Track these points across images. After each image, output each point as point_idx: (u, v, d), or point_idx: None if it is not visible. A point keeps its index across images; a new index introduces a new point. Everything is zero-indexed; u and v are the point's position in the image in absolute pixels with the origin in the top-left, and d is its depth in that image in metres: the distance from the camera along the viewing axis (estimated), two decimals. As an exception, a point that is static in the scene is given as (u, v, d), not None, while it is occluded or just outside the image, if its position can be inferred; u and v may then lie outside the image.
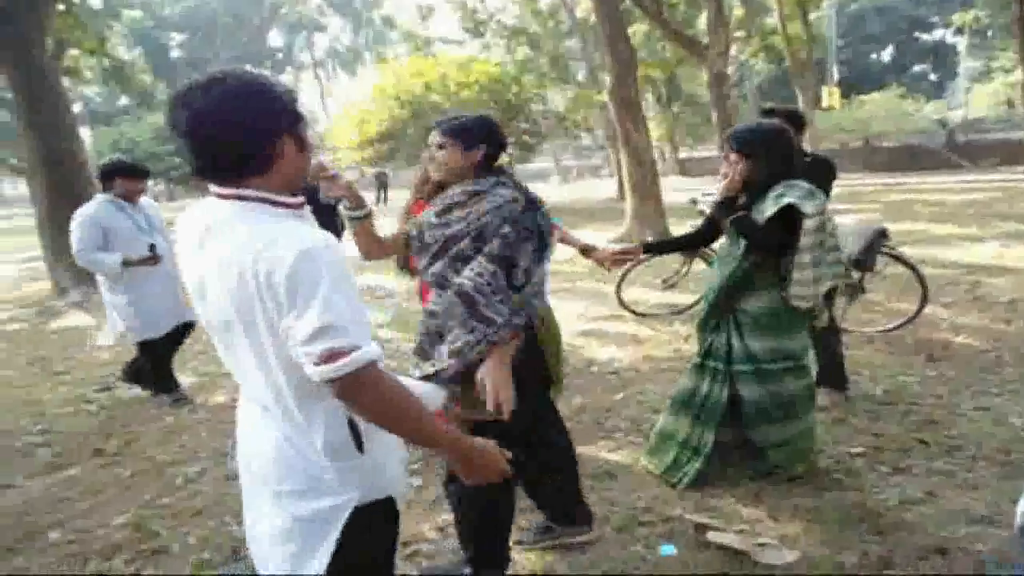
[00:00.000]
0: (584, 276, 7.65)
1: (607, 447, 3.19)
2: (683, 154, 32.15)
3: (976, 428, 3.13)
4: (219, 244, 1.21)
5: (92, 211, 3.85)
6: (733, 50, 18.38)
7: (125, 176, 3.92)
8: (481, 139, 1.96)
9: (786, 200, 2.45)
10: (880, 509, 2.52)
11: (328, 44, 48.79)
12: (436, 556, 2.41)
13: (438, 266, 1.91)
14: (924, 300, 4.57)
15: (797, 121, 3.32)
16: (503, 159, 2.07)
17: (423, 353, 1.97)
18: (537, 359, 2.12)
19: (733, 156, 2.62)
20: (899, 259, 4.66)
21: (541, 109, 17.69)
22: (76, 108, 9.42)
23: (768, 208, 2.50)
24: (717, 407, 2.73)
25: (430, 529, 2.56)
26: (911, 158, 22.92)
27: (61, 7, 9.38)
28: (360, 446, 1.33)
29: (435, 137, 2.00)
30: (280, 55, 45.72)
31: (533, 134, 16.98)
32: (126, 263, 3.79)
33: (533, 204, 1.94)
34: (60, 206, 8.32)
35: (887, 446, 3.02)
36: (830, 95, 20.80)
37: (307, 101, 51.38)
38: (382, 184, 24.39)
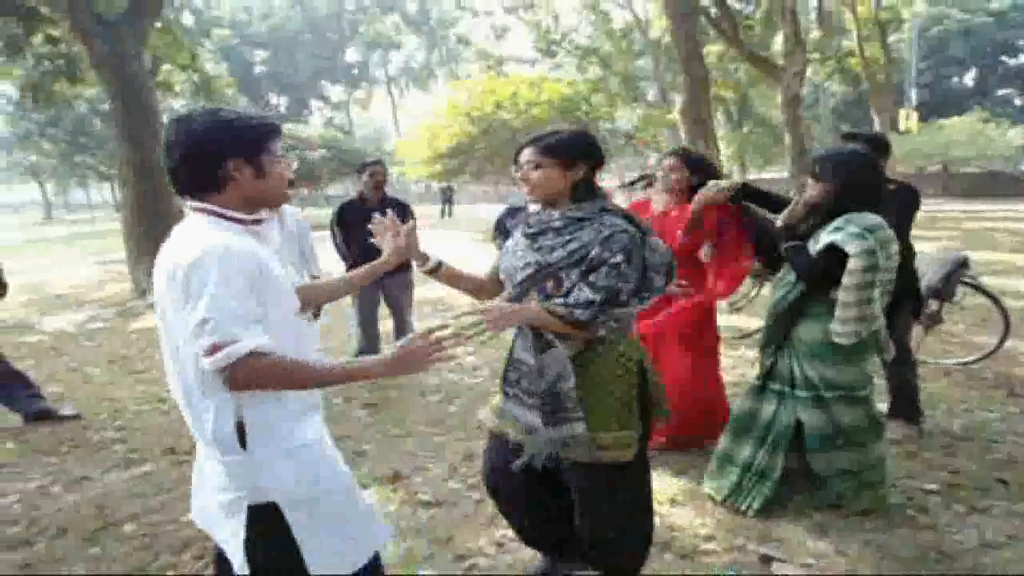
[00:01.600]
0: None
1: (671, 471, 3.13)
2: (752, 175, 31.43)
3: (1063, 472, 2.92)
4: (169, 248, 1.43)
5: None
6: (808, 71, 17.88)
7: None
8: (581, 156, 1.84)
9: (830, 238, 2.42)
10: (956, 551, 2.39)
11: (403, 61, 50.23)
12: (493, 571, 2.41)
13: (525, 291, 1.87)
14: (1006, 333, 4.33)
15: (880, 147, 3.20)
16: (601, 178, 1.96)
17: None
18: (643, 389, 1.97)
19: (809, 180, 2.56)
20: (980, 289, 4.44)
21: (609, 127, 17.62)
22: (163, 119, 9.97)
23: (821, 239, 2.47)
24: (786, 431, 2.66)
25: (488, 544, 2.57)
26: (992, 184, 21.73)
27: (159, 24, 10.01)
28: (243, 443, 1.42)
29: (529, 155, 1.86)
30: (356, 71, 47.36)
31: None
32: None
33: (645, 235, 1.85)
34: (145, 212, 8.85)
35: (964, 484, 2.86)
36: (908, 118, 19.90)
37: (379, 116, 53.03)
38: (447, 199, 24.93)
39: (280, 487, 1.45)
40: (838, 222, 2.46)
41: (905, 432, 3.40)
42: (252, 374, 1.33)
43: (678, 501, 2.86)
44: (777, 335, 2.70)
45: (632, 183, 5.09)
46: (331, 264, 4.84)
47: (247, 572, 1.46)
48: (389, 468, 3.25)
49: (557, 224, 1.84)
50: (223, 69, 32.65)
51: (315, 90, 45.89)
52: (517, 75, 19.54)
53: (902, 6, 20.70)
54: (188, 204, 1.48)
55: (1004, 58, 31.24)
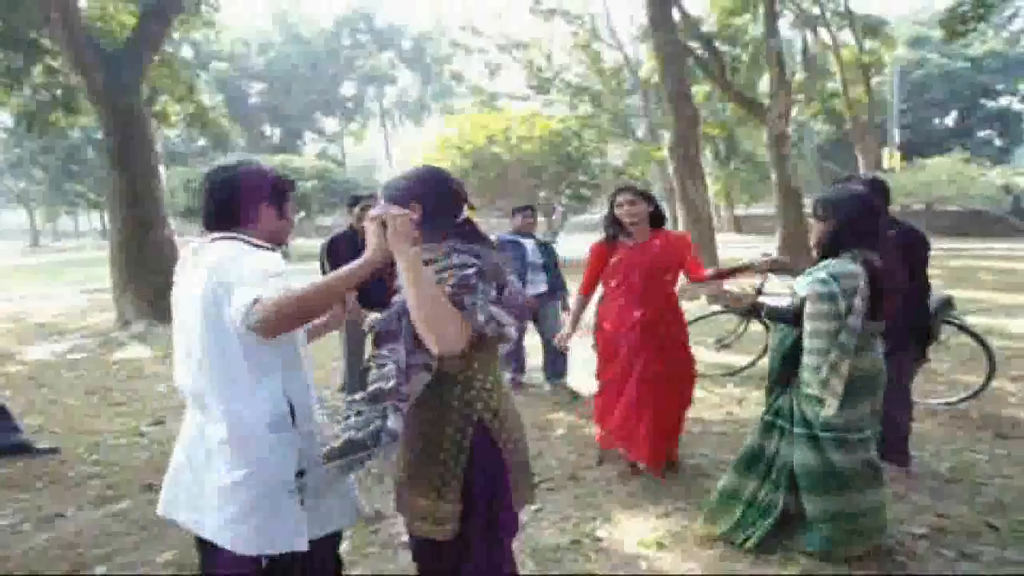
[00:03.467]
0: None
1: (656, 513, 3.09)
2: (739, 211, 31.77)
3: (1052, 517, 2.90)
4: (201, 260, 1.71)
5: None
6: (794, 111, 18.29)
7: None
8: (412, 198, 1.76)
9: (798, 285, 2.54)
10: None
11: (397, 95, 50.87)
12: None
13: None
14: (991, 373, 4.36)
15: (878, 190, 3.30)
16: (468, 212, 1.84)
17: None
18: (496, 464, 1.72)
19: (812, 221, 2.67)
20: (964, 329, 4.47)
21: (600, 163, 17.83)
22: (157, 148, 10.02)
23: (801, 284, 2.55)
24: (786, 467, 2.66)
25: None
26: (975, 223, 22.08)
27: (158, 58, 10.11)
28: (294, 422, 1.70)
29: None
30: (350, 104, 47.88)
31: (591, 186, 17.12)
32: None
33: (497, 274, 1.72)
34: (133, 240, 8.82)
35: (953, 528, 2.84)
36: (891, 158, 20.31)
37: (372, 148, 53.48)
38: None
39: (312, 456, 1.69)
40: (816, 267, 2.52)
41: (892, 474, 3.36)
42: (267, 314, 1.49)
43: (664, 545, 2.82)
44: (781, 379, 2.73)
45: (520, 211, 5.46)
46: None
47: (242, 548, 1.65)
48: (371, 508, 3.19)
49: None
50: (219, 100, 33.01)
51: (309, 122, 46.29)
52: (510, 110, 19.84)
53: (884, 50, 21.28)
54: (211, 236, 1.77)
55: (983, 101, 32.10)
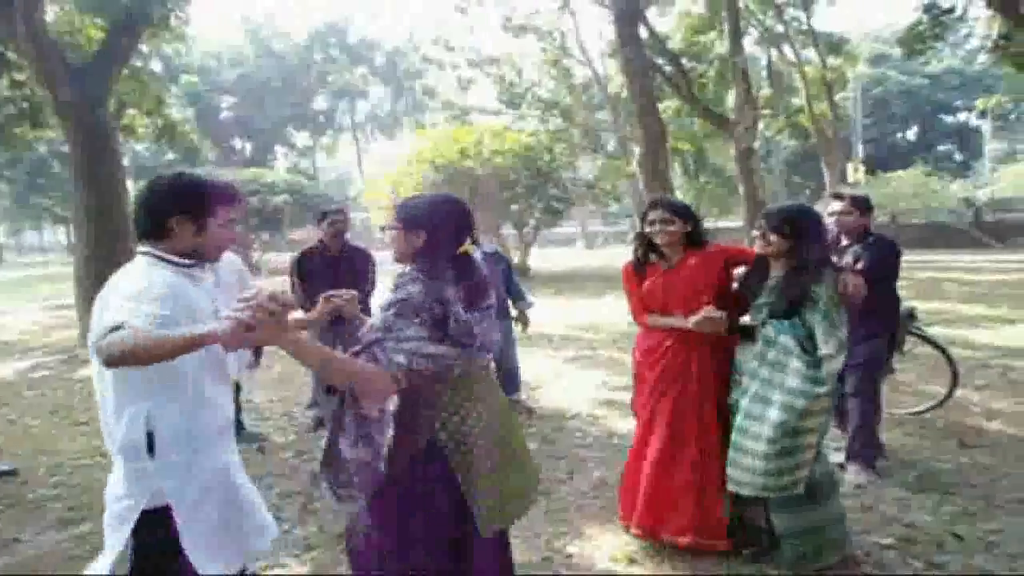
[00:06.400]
0: (605, 344, 7.59)
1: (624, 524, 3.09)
2: (708, 224, 32.13)
3: (1016, 523, 2.98)
4: (110, 281, 1.76)
5: None
6: (760, 126, 18.66)
7: None
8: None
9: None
10: None
11: (369, 109, 50.75)
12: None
13: None
14: (954, 383, 4.45)
15: (860, 205, 3.64)
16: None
17: None
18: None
19: (770, 235, 2.71)
20: (928, 340, 4.57)
21: (571, 177, 17.98)
22: (124, 162, 9.86)
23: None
24: None
25: None
26: (939, 236, 22.68)
27: (127, 71, 9.97)
28: (151, 450, 1.64)
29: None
30: (322, 118, 47.64)
31: (562, 200, 17.22)
32: None
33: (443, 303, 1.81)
34: (99, 255, 8.64)
35: (920, 538, 2.89)
36: (856, 171, 20.89)
37: (344, 161, 53.19)
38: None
39: (175, 489, 1.67)
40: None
41: (865, 477, 3.46)
42: (115, 344, 1.42)
43: (635, 560, 2.82)
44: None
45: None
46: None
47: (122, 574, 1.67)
48: (341, 526, 3.17)
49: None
50: (189, 114, 32.55)
51: (281, 136, 45.90)
52: (481, 124, 19.93)
53: (846, 67, 21.88)
54: (138, 248, 1.79)
55: (942, 116, 33.20)
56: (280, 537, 3.12)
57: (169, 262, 1.75)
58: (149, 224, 1.76)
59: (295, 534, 3.19)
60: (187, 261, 1.78)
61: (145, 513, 1.67)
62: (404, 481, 1.77)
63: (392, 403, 1.74)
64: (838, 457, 3.60)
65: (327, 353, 1.63)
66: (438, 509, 1.78)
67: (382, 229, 1.98)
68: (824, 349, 2.49)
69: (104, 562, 1.69)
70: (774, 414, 2.49)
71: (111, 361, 1.43)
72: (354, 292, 2.14)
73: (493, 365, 5.33)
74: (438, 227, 1.83)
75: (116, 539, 1.69)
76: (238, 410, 4.61)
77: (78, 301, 8.98)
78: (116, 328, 1.45)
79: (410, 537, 1.78)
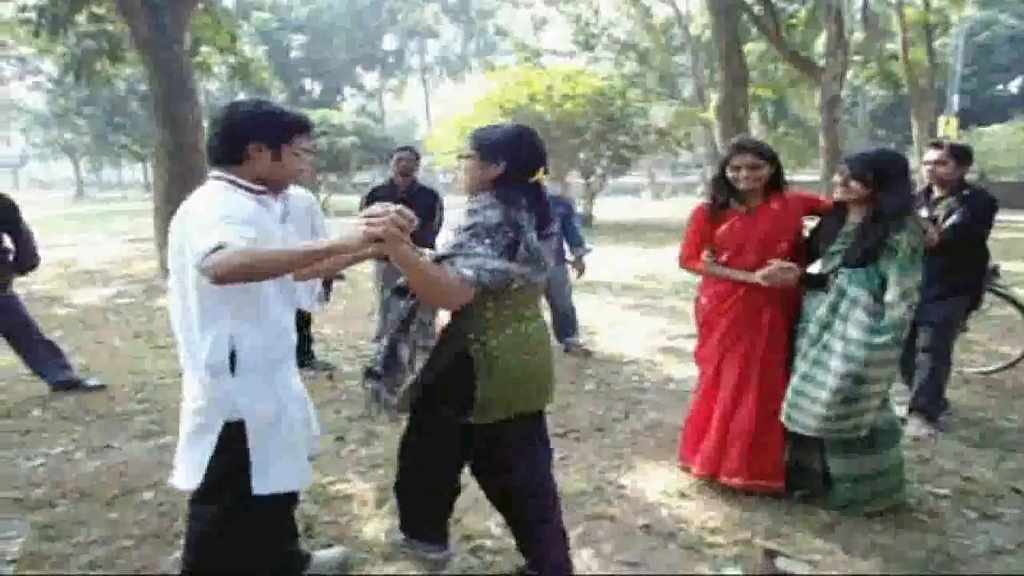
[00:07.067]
0: (666, 293, 7.46)
1: (681, 465, 3.10)
2: (784, 175, 30.78)
3: (1082, 486, 2.85)
4: (185, 203, 1.75)
5: None
6: (849, 74, 17.44)
7: None
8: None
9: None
10: (965, 556, 2.37)
11: (439, 50, 50.20)
12: (501, 552, 2.42)
13: None
14: None
15: (958, 154, 3.46)
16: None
17: None
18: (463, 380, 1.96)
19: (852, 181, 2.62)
20: (1009, 298, 4.36)
21: (643, 124, 17.34)
22: (200, 101, 10.09)
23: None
24: None
25: (495, 526, 2.57)
26: (1029, 195, 21.01)
27: (201, 5, 10.09)
28: (233, 369, 1.73)
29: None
30: (392, 59, 47.45)
31: (632, 148, 16.71)
32: None
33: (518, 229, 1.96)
34: (176, 192, 8.94)
35: (977, 491, 2.83)
36: (947, 124, 19.34)
37: (412, 105, 53.18)
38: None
39: (249, 405, 1.76)
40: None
41: (925, 431, 3.39)
42: (222, 262, 1.46)
43: (687, 495, 2.85)
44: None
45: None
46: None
47: (198, 483, 1.79)
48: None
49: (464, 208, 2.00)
50: (261, 53, 33.01)
51: (350, 77, 46.02)
52: (553, 67, 19.36)
53: (951, 9, 20.07)
54: (211, 173, 1.80)
55: (1053, 67, 30.25)
56: (347, 456, 3.26)
57: (243, 187, 1.78)
58: (226, 149, 1.78)
59: (361, 453, 3.33)
60: (260, 187, 1.81)
61: (225, 425, 1.78)
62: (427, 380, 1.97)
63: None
64: (900, 411, 3.49)
65: (417, 257, 1.74)
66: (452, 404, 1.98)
67: (459, 158, 2.04)
68: (888, 296, 2.44)
69: (191, 474, 1.81)
70: (837, 364, 2.47)
71: (227, 275, 1.47)
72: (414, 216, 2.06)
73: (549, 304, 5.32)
74: (516, 156, 1.94)
75: (199, 450, 1.80)
76: (310, 340, 4.77)
77: (157, 235, 9.37)
78: (218, 248, 1.47)
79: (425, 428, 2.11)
